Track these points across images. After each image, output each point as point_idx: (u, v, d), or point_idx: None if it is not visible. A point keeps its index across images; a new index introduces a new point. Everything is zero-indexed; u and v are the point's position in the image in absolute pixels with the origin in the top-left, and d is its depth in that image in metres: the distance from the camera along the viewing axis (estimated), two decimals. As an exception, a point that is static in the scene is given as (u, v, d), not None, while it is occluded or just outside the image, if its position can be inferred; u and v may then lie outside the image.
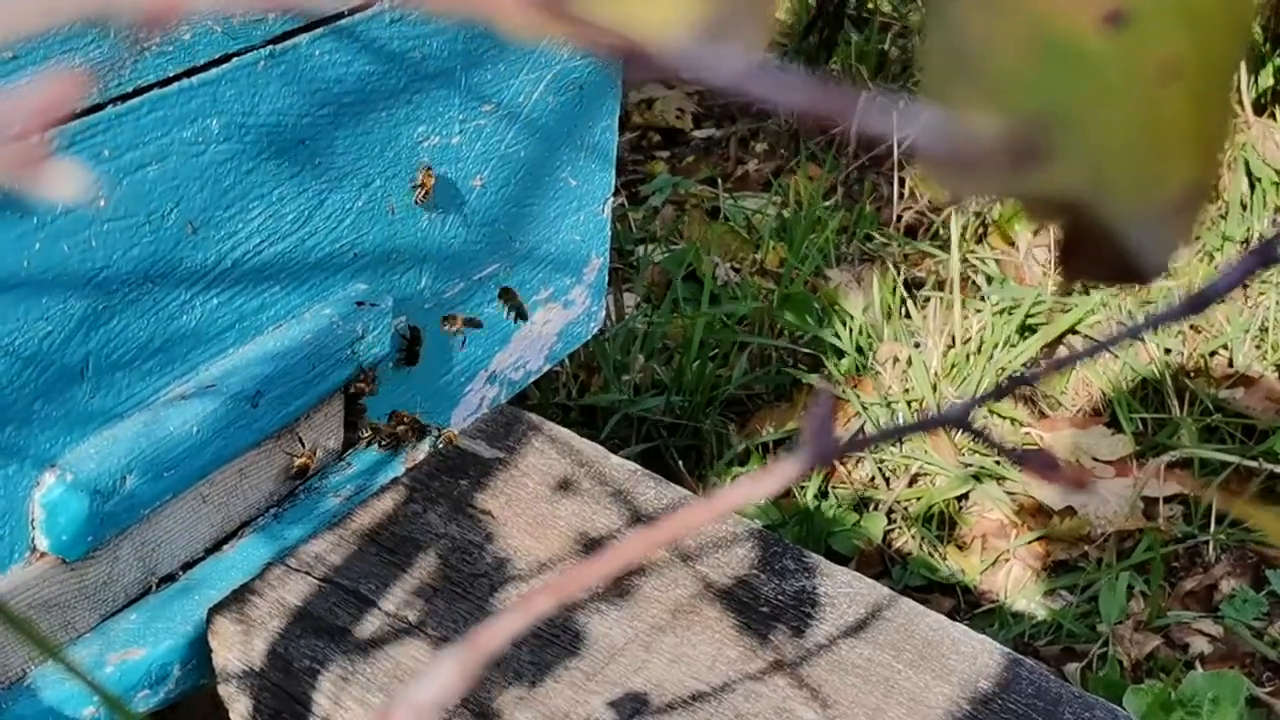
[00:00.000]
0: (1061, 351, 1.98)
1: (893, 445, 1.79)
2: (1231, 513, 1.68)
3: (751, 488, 0.30)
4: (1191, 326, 1.97)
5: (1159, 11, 0.25)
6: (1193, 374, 1.89)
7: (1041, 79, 0.25)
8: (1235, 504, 1.69)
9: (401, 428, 1.12)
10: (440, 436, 1.14)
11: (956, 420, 0.33)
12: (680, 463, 1.75)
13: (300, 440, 1.07)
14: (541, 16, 0.20)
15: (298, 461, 1.07)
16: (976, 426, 0.34)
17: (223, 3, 0.20)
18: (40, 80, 0.19)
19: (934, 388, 1.85)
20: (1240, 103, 2.29)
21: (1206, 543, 1.70)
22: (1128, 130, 0.25)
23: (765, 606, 1.04)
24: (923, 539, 1.70)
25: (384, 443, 1.12)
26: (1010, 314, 1.97)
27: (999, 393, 0.37)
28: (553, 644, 0.99)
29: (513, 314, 1.18)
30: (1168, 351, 1.92)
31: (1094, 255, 0.26)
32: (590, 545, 1.08)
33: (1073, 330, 1.98)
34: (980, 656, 1.02)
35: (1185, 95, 0.25)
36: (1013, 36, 0.24)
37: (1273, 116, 2.34)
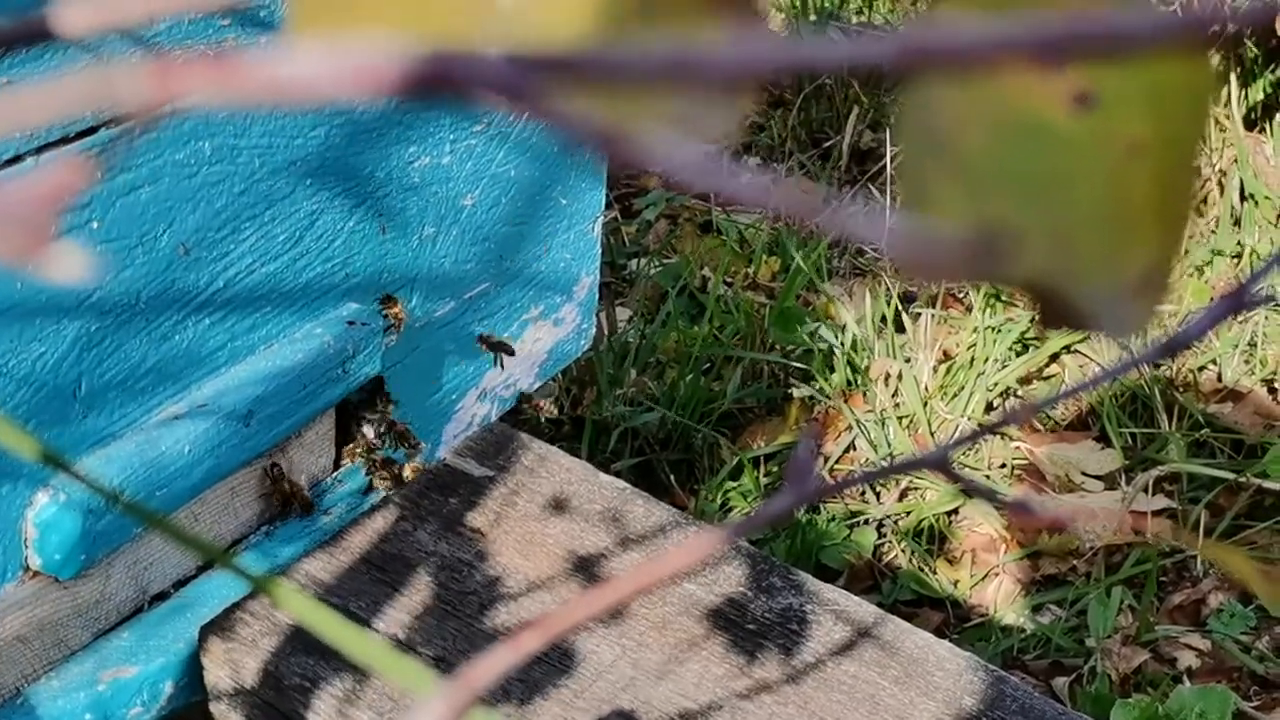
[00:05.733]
0: (1054, 369, 1.98)
1: (881, 462, 1.80)
2: (1202, 554, 1.69)
3: (742, 526, 0.31)
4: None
5: (1125, 94, 0.26)
6: (1182, 388, 1.90)
7: (1012, 159, 0.25)
8: (1205, 546, 1.69)
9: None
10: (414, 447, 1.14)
11: (936, 463, 0.34)
12: (672, 477, 1.76)
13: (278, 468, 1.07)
14: (520, 105, 0.21)
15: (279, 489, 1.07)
16: (956, 470, 0.35)
17: (219, 97, 0.21)
18: (47, 166, 0.20)
19: (925, 404, 1.86)
20: (1230, 118, 2.31)
21: (1195, 557, 1.70)
22: (1095, 208, 0.26)
23: (752, 624, 1.05)
24: (913, 553, 1.71)
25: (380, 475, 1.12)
26: (1004, 331, 1.98)
27: (975, 436, 0.38)
28: (540, 661, 1.00)
29: (497, 355, 1.20)
30: (1157, 366, 1.93)
31: (1065, 314, 0.27)
32: (579, 564, 1.08)
33: (1066, 349, 1.99)
34: (965, 674, 1.02)
35: (1150, 175, 0.26)
36: (985, 117, 0.25)
37: (1263, 131, 2.35)
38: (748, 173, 0.21)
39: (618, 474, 1.66)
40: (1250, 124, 2.35)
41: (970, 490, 0.33)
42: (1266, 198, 2.24)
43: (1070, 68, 0.25)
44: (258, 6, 0.93)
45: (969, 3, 0.25)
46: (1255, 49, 2.37)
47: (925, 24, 0.22)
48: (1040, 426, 1.89)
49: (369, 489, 1.12)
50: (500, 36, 0.23)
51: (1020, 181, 0.25)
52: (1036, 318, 0.27)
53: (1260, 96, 2.36)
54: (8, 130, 0.21)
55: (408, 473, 1.13)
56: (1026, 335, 1.98)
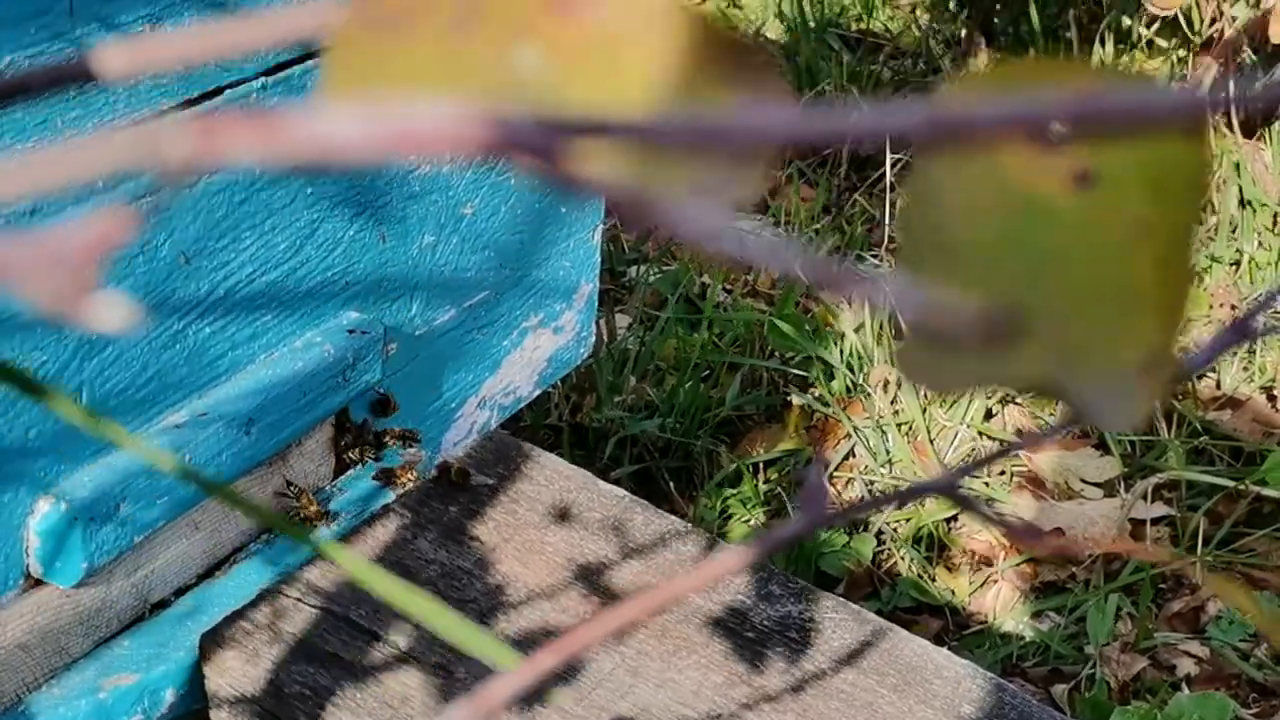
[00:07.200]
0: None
1: (882, 468, 1.80)
2: (1203, 585, 1.69)
3: (749, 551, 0.31)
4: (1180, 348, 1.98)
5: (1125, 174, 0.26)
6: (1181, 396, 1.91)
7: (1014, 238, 0.26)
8: (1206, 577, 1.70)
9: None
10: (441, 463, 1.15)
11: (945, 489, 0.34)
12: (671, 484, 1.76)
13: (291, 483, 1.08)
14: (541, 166, 0.22)
15: (303, 512, 1.08)
16: (964, 495, 0.35)
17: (261, 156, 0.21)
18: (90, 217, 0.21)
19: (924, 411, 1.87)
20: (1230, 125, 2.31)
21: (1193, 564, 1.71)
22: (1095, 288, 0.26)
23: (751, 632, 1.05)
24: (912, 560, 1.71)
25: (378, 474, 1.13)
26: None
27: (983, 461, 0.38)
28: (541, 669, 1.00)
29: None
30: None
31: (1069, 409, 0.27)
32: (579, 573, 1.09)
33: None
34: (963, 682, 1.03)
35: (1149, 255, 0.26)
36: (987, 196, 0.26)
37: (1261, 139, 2.36)
38: (763, 236, 0.22)
39: (617, 481, 1.67)
40: (1249, 131, 2.36)
41: (978, 515, 0.33)
42: (1264, 204, 2.24)
43: (1072, 147, 0.25)
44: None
45: (985, 78, 0.25)
46: (1254, 55, 2.37)
47: (945, 99, 0.23)
48: (1039, 433, 1.89)
49: (369, 497, 1.13)
50: (525, 100, 0.24)
51: (1021, 261, 0.25)
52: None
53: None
54: (54, 185, 0.21)
55: (407, 480, 1.13)
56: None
